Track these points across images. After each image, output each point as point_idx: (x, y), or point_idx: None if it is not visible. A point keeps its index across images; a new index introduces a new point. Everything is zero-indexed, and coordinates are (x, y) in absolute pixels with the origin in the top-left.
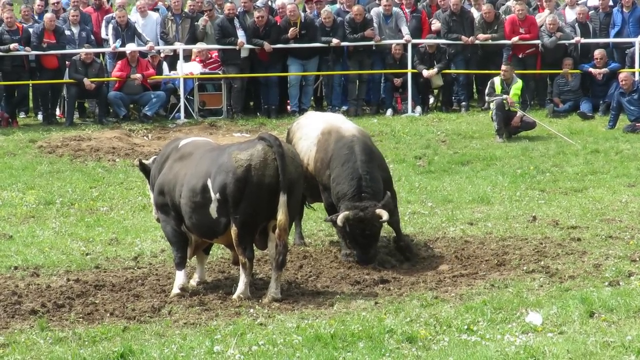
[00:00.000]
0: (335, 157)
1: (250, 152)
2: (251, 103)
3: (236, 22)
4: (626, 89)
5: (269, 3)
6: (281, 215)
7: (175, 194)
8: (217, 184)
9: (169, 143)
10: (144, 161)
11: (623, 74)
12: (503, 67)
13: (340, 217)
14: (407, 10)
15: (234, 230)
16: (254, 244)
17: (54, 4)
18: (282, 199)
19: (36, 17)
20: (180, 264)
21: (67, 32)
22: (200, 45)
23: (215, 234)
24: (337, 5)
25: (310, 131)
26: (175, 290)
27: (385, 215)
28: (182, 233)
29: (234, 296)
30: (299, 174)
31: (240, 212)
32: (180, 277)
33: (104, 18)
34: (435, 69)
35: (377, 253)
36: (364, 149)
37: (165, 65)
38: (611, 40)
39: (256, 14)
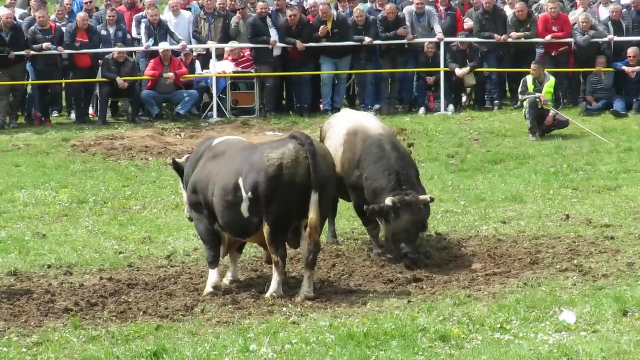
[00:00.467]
0: (365, 156)
1: (281, 150)
2: (284, 101)
3: (268, 21)
4: None
5: (302, 2)
6: (312, 214)
7: (208, 193)
8: (248, 182)
9: (203, 141)
10: (177, 159)
11: None
12: (532, 65)
13: (387, 200)
14: (441, 8)
15: (266, 229)
16: (286, 243)
17: (86, 2)
18: (314, 197)
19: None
20: (213, 262)
21: (103, 32)
22: (233, 44)
23: (247, 232)
24: (369, 4)
25: (337, 131)
26: (208, 288)
27: (429, 198)
28: (214, 231)
29: (267, 295)
30: (331, 172)
31: (272, 211)
32: (213, 275)
33: (134, 17)
34: (468, 68)
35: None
36: (393, 146)
37: (197, 64)
38: None
39: (289, 12)
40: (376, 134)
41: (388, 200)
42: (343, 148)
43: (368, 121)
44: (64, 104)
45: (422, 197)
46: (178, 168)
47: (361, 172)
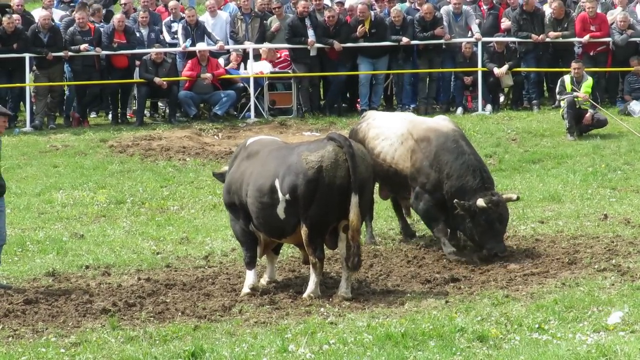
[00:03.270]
0: (442, 154)
1: (320, 153)
2: (322, 102)
3: (307, 22)
4: None
5: (344, 2)
6: (353, 216)
7: (242, 193)
8: (286, 184)
9: (241, 143)
10: (215, 172)
11: None
12: (574, 64)
13: (479, 201)
14: (484, 7)
15: (304, 230)
16: (324, 244)
17: (124, 4)
18: (354, 199)
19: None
20: (250, 263)
21: (137, 34)
22: (271, 44)
23: (284, 233)
24: (407, 4)
25: (389, 130)
26: (246, 289)
27: (515, 196)
28: (250, 232)
29: (305, 295)
30: (370, 174)
31: (311, 213)
32: (250, 276)
33: (164, 22)
34: (505, 68)
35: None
36: (467, 142)
37: (242, 65)
38: None
39: (327, 13)
40: (449, 130)
41: (480, 202)
42: (408, 148)
43: (427, 120)
44: (103, 105)
45: (506, 196)
46: (222, 178)
47: (440, 170)
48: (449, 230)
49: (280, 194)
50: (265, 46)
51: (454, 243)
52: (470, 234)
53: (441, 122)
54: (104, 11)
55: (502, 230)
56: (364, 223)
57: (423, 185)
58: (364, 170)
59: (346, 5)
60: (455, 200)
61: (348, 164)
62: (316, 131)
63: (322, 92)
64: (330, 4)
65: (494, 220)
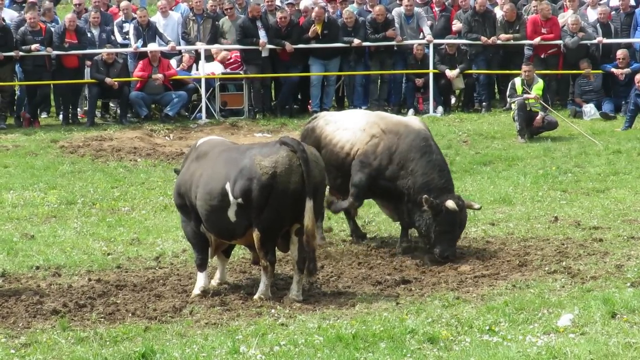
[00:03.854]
0: (410, 150)
1: (274, 158)
2: (273, 103)
3: (258, 23)
4: None
5: (298, 3)
6: (307, 221)
7: (192, 195)
8: (238, 188)
9: (192, 144)
10: (177, 169)
11: (639, 75)
12: (525, 67)
13: (449, 202)
14: (436, 9)
15: (256, 234)
16: (275, 247)
17: (76, 4)
18: (308, 204)
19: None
20: (202, 265)
21: (88, 34)
22: (222, 46)
23: (234, 235)
24: (355, 5)
25: (350, 122)
26: (196, 291)
27: (477, 206)
28: (202, 234)
29: (255, 297)
30: (323, 177)
31: (264, 217)
32: (201, 278)
33: (115, 23)
34: (458, 70)
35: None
36: (435, 143)
37: (193, 66)
38: (633, 40)
39: (279, 14)
40: (419, 128)
41: (450, 204)
42: (372, 138)
43: (400, 116)
44: (52, 105)
45: (468, 203)
46: None
47: (403, 165)
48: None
49: (231, 197)
50: (217, 47)
51: (405, 244)
52: (427, 232)
53: (412, 120)
54: (54, 9)
55: (458, 235)
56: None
57: (369, 165)
58: (317, 174)
59: (301, 7)
60: (425, 195)
61: (302, 168)
62: (268, 132)
63: (273, 94)
64: (281, 5)
65: (455, 224)
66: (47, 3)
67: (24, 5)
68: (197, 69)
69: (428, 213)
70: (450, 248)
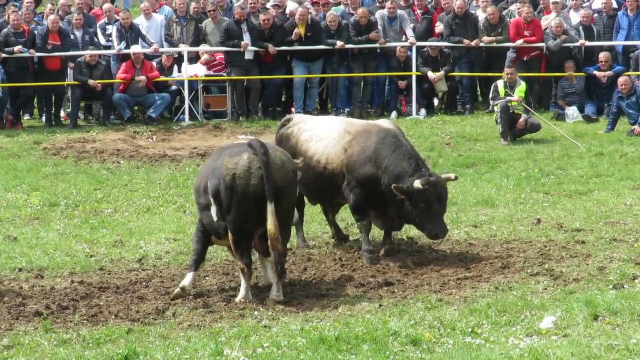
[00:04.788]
0: (381, 148)
1: (236, 160)
2: (259, 104)
3: (243, 26)
4: (625, 93)
5: (284, 6)
6: (270, 225)
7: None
8: (210, 188)
9: None
10: None
11: (622, 78)
12: (507, 69)
13: (415, 183)
14: (418, 12)
15: (229, 235)
16: (252, 250)
17: (62, 6)
18: (270, 207)
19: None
20: (192, 265)
21: (71, 36)
22: (205, 48)
23: (219, 235)
24: (342, 7)
25: (324, 131)
26: (176, 288)
27: (453, 175)
28: (203, 233)
29: (237, 300)
30: (288, 180)
31: (232, 218)
32: (187, 278)
33: (98, 25)
34: (442, 73)
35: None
36: (407, 140)
37: (176, 68)
38: (615, 43)
39: (262, 16)
40: (389, 127)
41: (417, 183)
42: (345, 145)
43: (365, 120)
44: (35, 107)
45: (444, 175)
46: None
47: (378, 164)
48: (370, 228)
49: (210, 196)
50: (200, 49)
51: (388, 246)
52: (412, 217)
53: (382, 121)
54: (34, 11)
55: (441, 210)
56: (293, 228)
57: (357, 178)
58: (279, 177)
59: (287, 10)
60: (393, 185)
61: (261, 172)
62: (251, 134)
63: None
64: (268, 7)
65: (432, 201)
66: (27, 2)
67: (5, 6)
68: (179, 71)
69: (405, 200)
70: (437, 225)
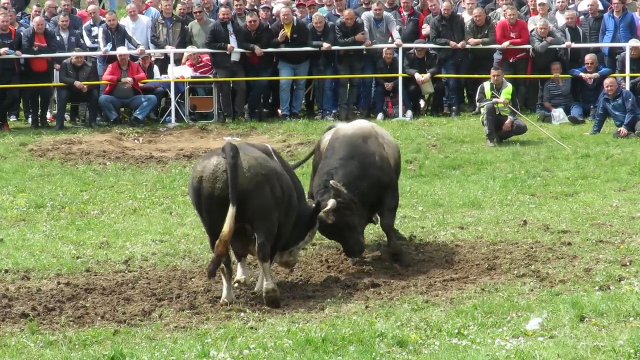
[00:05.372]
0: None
1: (204, 163)
2: (245, 106)
3: (229, 27)
4: (611, 95)
5: (271, 7)
6: (225, 227)
7: None
8: (188, 188)
9: None
10: None
11: (608, 80)
12: (493, 71)
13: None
14: (404, 14)
15: (207, 236)
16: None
17: (48, 7)
18: (231, 210)
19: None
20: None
21: (57, 37)
22: (191, 49)
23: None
24: (325, 8)
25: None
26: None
27: (330, 203)
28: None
29: (220, 301)
30: (256, 183)
31: (203, 220)
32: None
33: (84, 27)
34: (428, 75)
35: (361, 246)
36: (346, 144)
37: (156, 69)
38: (602, 45)
39: (248, 18)
40: (340, 134)
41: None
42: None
43: (352, 125)
44: (21, 108)
45: (325, 202)
46: None
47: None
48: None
49: None
50: (186, 51)
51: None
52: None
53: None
54: (18, 14)
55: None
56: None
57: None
58: (245, 182)
59: (274, 11)
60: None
61: (226, 175)
62: (237, 136)
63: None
64: (256, 9)
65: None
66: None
67: None
68: (165, 72)
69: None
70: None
